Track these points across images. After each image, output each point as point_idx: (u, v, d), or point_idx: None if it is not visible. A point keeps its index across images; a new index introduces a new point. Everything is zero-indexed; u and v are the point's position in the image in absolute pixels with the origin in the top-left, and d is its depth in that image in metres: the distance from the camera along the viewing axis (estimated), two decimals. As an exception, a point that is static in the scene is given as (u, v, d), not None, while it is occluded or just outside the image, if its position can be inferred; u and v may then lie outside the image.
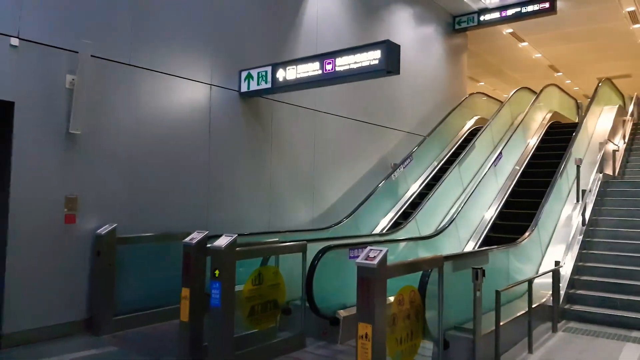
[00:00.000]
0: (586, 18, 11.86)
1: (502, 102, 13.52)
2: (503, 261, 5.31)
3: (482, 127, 11.90)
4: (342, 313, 4.64)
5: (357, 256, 5.18)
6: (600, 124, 10.06)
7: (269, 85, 6.16)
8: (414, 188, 9.41)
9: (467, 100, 11.92)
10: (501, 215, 7.85)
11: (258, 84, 6.28)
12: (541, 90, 10.73)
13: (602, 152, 8.34)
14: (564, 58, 15.66)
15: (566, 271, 5.86)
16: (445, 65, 11.94)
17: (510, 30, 12.99)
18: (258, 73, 6.28)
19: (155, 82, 5.55)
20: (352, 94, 8.60)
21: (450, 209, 8.22)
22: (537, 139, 10.04)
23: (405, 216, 8.67)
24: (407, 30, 10.35)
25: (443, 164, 10.21)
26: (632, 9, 11.23)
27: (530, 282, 4.65)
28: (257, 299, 4.05)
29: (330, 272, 4.61)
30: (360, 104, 8.81)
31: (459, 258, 4.15)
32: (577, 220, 6.90)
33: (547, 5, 10.58)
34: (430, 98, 11.17)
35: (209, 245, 3.78)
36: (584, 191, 7.01)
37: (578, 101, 13.47)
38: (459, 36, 12.43)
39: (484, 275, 3.65)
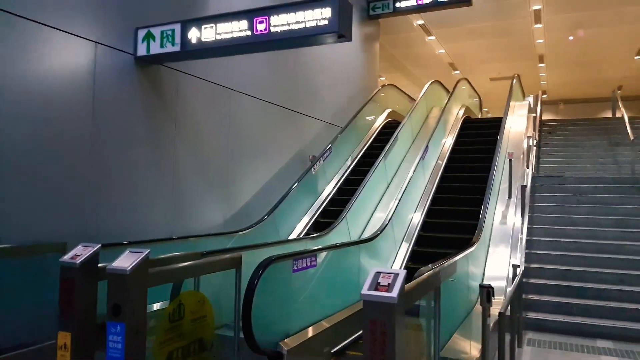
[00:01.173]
0: (494, 13, 11.98)
1: (409, 96, 13.38)
2: (464, 268, 4.62)
3: (394, 120, 11.57)
4: (287, 344, 3.55)
5: (302, 268, 4.14)
6: (514, 119, 10.09)
7: (176, 49, 4.80)
8: (334, 183, 8.56)
9: (380, 92, 11.38)
10: (431, 213, 7.30)
11: (162, 46, 4.88)
12: (457, 84, 10.53)
13: (526, 147, 8.21)
14: (465, 56, 15.99)
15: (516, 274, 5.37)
16: (360, 54, 11.30)
17: (422, 22, 12.76)
18: (162, 32, 4.88)
19: (12, 31, 3.94)
20: (271, 73, 7.48)
21: (376, 206, 7.49)
22: (456, 133, 9.78)
23: (325, 214, 7.80)
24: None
25: (360, 158, 9.53)
26: (538, 7, 11.52)
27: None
28: (177, 340, 2.81)
29: (273, 292, 3.50)
30: (279, 86, 7.72)
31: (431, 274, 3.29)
32: (513, 218, 6.54)
33: (463, -5, 10.37)
34: (347, 88, 10.44)
35: (107, 267, 2.46)
36: (524, 187, 6.67)
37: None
38: (373, 24, 11.87)
39: (493, 295, 2.82)
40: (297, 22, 4.21)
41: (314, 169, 7.88)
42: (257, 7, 4.49)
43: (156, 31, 4.91)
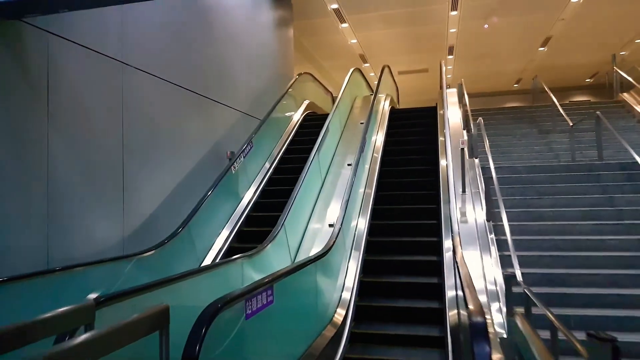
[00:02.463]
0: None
1: (325, 87, 12.56)
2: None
3: (314, 113, 10.65)
4: None
5: (258, 310, 2.93)
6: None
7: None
8: (256, 184, 7.38)
9: (297, 82, 10.37)
10: (377, 214, 6.42)
11: (21, -11, 3.41)
12: (382, 70, 9.86)
13: (467, 136, 7.66)
14: (376, 46, 15.55)
15: (498, 280, 4.64)
16: (274, 38, 10.21)
17: (336, 6, 11.96)
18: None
19: None
20: (176, 47, 6.12)
21: (313, 208, 6.43)
22: (386, 124, 9.07)
23: (250, 222, 6.62)
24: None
25: (283, 154, 8.44)
26: (458, -8, 11.26)
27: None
28: None
29: (221, 356, 2.28)
30: (187, 65, 6.37)
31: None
32: (474, 214, 5.86)
33: (384, -26, 9.71)
34: (263, 74, 9.30)
35: None
36: (488, 179, 6.01)
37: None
38: (285, 5, 10.85)
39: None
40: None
41: (234, 167, 6.64)
42: None
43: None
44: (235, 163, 6.68)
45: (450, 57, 17.20)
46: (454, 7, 12.20)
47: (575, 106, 11.74)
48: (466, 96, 10.64)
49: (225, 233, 6.27)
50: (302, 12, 11.95)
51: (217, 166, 6.77)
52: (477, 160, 7.16)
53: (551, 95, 9.75)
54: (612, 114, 9.90)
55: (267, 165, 7.93)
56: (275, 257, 4.93)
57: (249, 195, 7.06)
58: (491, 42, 15.44)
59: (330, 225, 5.80)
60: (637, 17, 13.11)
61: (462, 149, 6.52)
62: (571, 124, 8.10)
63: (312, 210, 6.34)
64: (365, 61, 17.37)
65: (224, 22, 7.70)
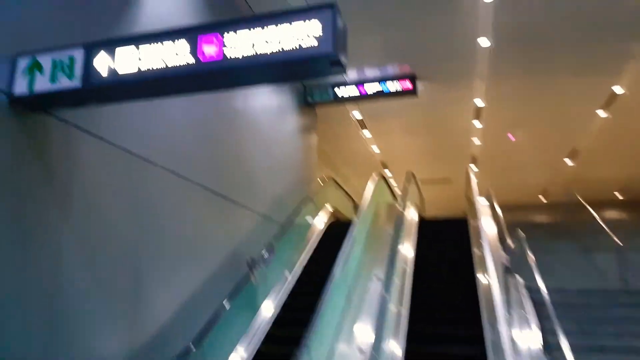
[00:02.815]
0: (435, 106, 11.71)
1: (348, 193, 12.41)
2: None
3: (338, 221, 10.35)
4: None
5: None
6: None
7: (76, 84, 3.24)
8: (277, 295, 6.86)
9: (319, 187, 10.25)
10: (413, 340, 5.80)
11: (53, 81, 3.30)
12: (412, 177, 9.70)
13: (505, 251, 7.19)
14: (397, 153, 15.67)
15: None
16: (298, 142, 10.29)
17: (360, 117, 12.22)
18: (55, 61, 3.33)
19: None
20: (198, 143, 6.00)
21: (339, 328, 5.83)
22: (415, 236, 8.68)
23: (271, 340, 6.01)
24: (262, 91, 8.40)
25: (307, 265, 7.99)
26: (480, 104, 11.43)
27: None
28: None
29: None
30: (208, 163, 6.21)
31: None
32: (526, 342, 5.22)
33: (409, 85, 9.95)
34: (286, 178, 9.18)
35: None
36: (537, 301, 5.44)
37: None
38: (310, 112, 11.07)
39: None
40: (267, 43, 2.90)
41: (253, 276, 6.20)
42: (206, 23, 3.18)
43: (46, 59, 3.35)
44: (255, 272, 6.25)
45: (473, 167, 17.22)
46: (477, 117, 12.34)
47: (615, 222, 11.26)
48: (497, 207, 10.34)
49: (242, 353, 5.66)
50: (325, 119, 12.17)
51: (236, 273, 6.33)
52: (519, 279, 6.64)
53: (591, 210, 9.35)
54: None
55: (288, 275, 7.45)
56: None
57: (269, 309, 6.52)
58: (515, 154, 15.48)
59: (361, 352, 5.20)
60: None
61: (506, 267, 6.03)
62: (621, 244, 7.57)
63: (338, 330, 5.76)
64: (386, 167, 17.45)
65: (250, 124, 7.74)
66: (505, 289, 5.78)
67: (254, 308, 6.27)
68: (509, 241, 8.31)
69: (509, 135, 13.48)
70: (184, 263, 5.40)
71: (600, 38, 8.72)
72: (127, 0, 4.80)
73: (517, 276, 6.73)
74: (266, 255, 6.67)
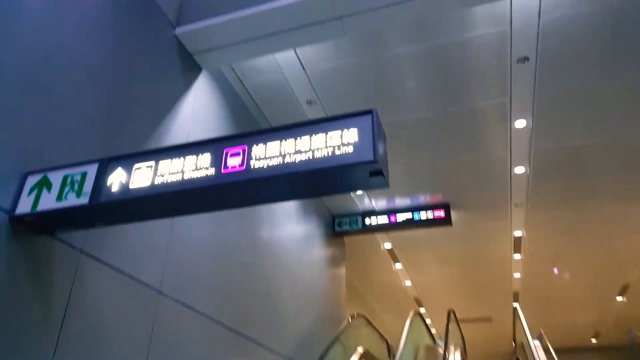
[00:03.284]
0: (473, 236, 11.22)
1: (379, 332, 11.49)
2: None
3: (369, 362, 9.40)
4: None
5: None
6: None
7: (83, 201, 3.01)
8: None
9: (349, 325, 9.46)
10: None
11: (60, 199, 3.09)
12: (449, 315, 8.93)
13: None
14: (432, 290, 14.84)
15: None
16: (326, 275, 9.79)
17: (389, 246, 11.77)
18: (66, 177, 3.16)
19: None
20: (219, 276, 5.60)
21: None
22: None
23: None
24: (288, 218, 8.21)
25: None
26: (519, 234, 10.93)
27: None
28: None
29: None
30: (228, 297, 5.75)
31: None
32: None
33: (442, 214, 9.64)
34: (312, 314, 8.56)
35: None
36: None
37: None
38: (338, 243, 10.72)
39: None
40: (300, 152, 2.66)
41: None
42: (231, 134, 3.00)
43: (57, 176, 3.18)
44: None
45: (516, 304, 16.11)
46: (517, 249, 11.76)
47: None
48: (552, 350, 9.37)
49: None
50: (355, 251, 11.76)
51: None
52: None
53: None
54: None
55: None
56: None
57: None
58: (560, 290, 14.49)
59: None
60: None
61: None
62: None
63: None
64: (420, 305, 16.47)
65: (275, 255, 7.37)
66: None
67: None
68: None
69: (554, 269, 12.71)
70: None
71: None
72: (150, 117, 4.81)
73: None
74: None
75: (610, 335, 18.51)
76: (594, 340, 19.67)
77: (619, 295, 14.62)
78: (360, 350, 9.44)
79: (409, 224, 9.84)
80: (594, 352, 19.48)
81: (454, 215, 9.74)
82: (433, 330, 11.18)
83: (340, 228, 10.22)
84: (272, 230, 7.37)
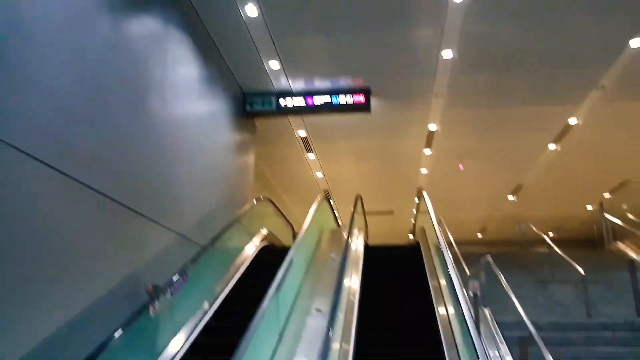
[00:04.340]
0: (389, 127, 10.62)
1: (287, 218, 10.97)
2: None
3: (272, 245, 8.87)
4: None
5: None
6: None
7: None
8: (188, 332, 5.24)
9: (254, 208, 8.73)
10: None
11: None
12: (356, 200, 8.43)
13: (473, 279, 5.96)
14: (343, 183, 14.43)
15: None
16: (232, 157, 8.82)
17: (304, 134, 10.92)
18: None
19: None
20: (100, 146, 4.42)
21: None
22: (361, 262, 7.34)
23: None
24: (189, 90, 6.95)
25: (231, 294, 6.42)
26: (434, 128, 10.46)
27: None
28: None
29: None
30: (107, 162, 4.63)
31: None
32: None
33: (362, 99, 8.80)
34: (213, 195, 7.66)
35: None
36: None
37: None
38: (249, 125, 9.67)
39: None
40: None
41: (154, 307, 4.58)
42: None
43: None
44: (156, 302, 4.63)
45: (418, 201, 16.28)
46: (428, 145, 11.39)
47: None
48: (449, 234, 9.28)
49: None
50: (267, 137, 10.81)
51: (130, 302, 4.68)
52: (487, 311, 5.39)
53: (551, 243, 8.39)
54: (609, 265, 8.58)
55: (207, 307, 5.85)
56: None
57: (173, 348, 4.88)
58: (459, 188, 14.66)
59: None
60: (613, 171, 12.68)
61: (475, 295, 4.77)
62: (583, 273, 6.58)
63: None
64: (330, 198, 16.16)
65: (172, 129, 6.25)
66: (478, 324, 4.50)
67: (153, 347, 4.62)
68: (467, 270, 7.15)
69: (460, 166, 12.60)
70: (53, 284, 3.73)
71: (564, 63, 8.00)
72: None
73: (486, 309, 5.51)
74: (176, 282, 5.07)
75: (494, 231, 19.60)
76: (479, 235, 20.80)
77: (512, 194, 15.09)
78: (263, 232, 8.85)
79: (327, 108, 8.95)
80: (480, 246, 20.71)
81: (373, 102, 8.94)
82: (340, 221, 10.80)
83: (251, 108, 9.11)
84: (167, 102, 6.16)
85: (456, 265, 5.99)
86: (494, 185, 14.28)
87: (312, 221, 7.01)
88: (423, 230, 8.55)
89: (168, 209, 5.97)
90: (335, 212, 10.58)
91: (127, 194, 4.91)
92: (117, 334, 4.03)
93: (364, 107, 8.76)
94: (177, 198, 6.32)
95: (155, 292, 4.83)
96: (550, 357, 3.72)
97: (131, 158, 5.18)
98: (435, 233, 6.16)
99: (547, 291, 7.70)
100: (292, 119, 10.00)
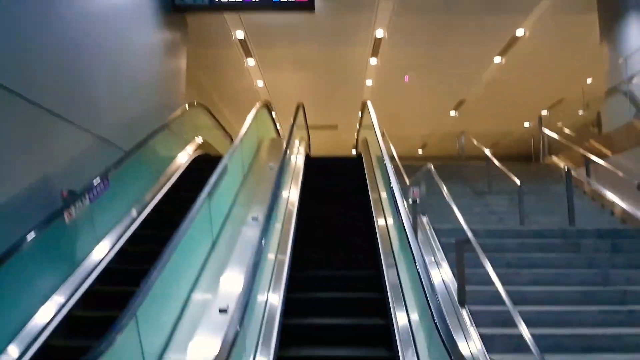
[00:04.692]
0: (334, 33, 10.08)
1: (224, 128, 10.50)
2: None
3: (207, 155, 8.45)
4: None
5: None
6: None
7: None
8: (112, 241, 4.92)
9: (187, 113, 8.15)
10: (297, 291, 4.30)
11: None
12: (298, 108, 8.09)
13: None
14: (285, 94, 13.87)
15: None
16: (159, 56, 8.11)
17: (242, 36, 10.17)
18: None
19: None
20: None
21: (197, 281, 4.09)
22: (302, 171, 7.15)
23: (93, 301, 4.13)
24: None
25: (159, 205, 6.07)
26: (381, 34, 10.02)
27: None
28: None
29: None
30: (17, 59, 3.98)
31: None
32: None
33: (304, -3, 8.13)
34: (138, 96, 7.08)
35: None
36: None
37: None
38: (179, 22, 8.82)
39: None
40: None
41: (70, 214, 4.18)
42: None
43: None
44: (72, 208, 4.23)
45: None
46: (375, 52, 10.98)
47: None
48: (391, 146, 9.20)
49: (45, 315, 3.71)
50: (201, 38, 9.99)
51: (43, 209, 4.26)
52: (425, 219, 5.41)
53: (489, 154, 8.49)
54: (544, 178, 8.91)
55: (135, 215, 5.51)
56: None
57: (95, 258, 4.57)
58: (403, 102, 14.54)
59: (222, 311, 3.51)
60: (551, 88, 12.90)
61: (414, 202, 4.71)
62: (519, 183, 6.73)
63: (195, 284, 4.02)
64: (272, 110, 15.64)
65: (85, 22, 5.51)
66: (415, 230, 4.49)
67: (71, 256, 4.29)
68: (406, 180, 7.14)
69: (405, 77, 12.35)
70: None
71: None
72: None
73: (424, 217, 5.53)
74: (96, 187, 4.66)
75: (435, 147, 19.95)
76: (420, 152, 21.18)
77: (454, 109, 15.20)
78: (198, 140, 8.40)
79: (266, 4, 8.24)
80: (420, 161, 21.09)
81: (317, 0, 8.28)
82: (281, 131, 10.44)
83: (180, 1, 8.24)
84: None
85: (397, 177, 5.94)
86: (437, 100, 14.27)
87: (250, 127, 6.64)
88: (366, 142, 8.42)
89: (86, 110, 5.41)
90: (277, 124, 10.22)
91: (37, 92, 4.32)
92: (28, 237, 3.66)
93: (307, 6, 8.12)
94: (96, 99, 5.74)
95: (72, 198, 4.43)
96: (487, 260, 3.73)
97: (43, 57, 4.53)
98: (378, 143, 5.99)
99: (483, 202, 7.90)
100: (229, 17, 9.20)
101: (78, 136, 5.18)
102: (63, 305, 3.90)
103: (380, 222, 5.40)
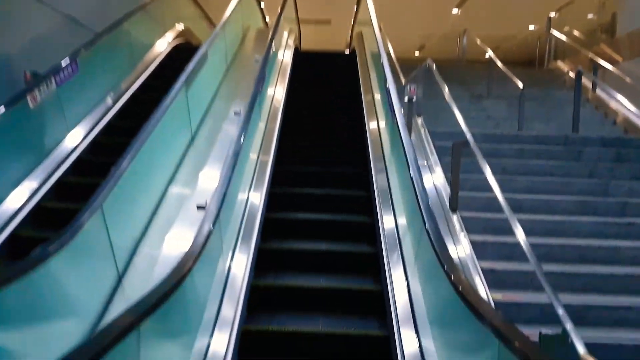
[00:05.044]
0: None
1: (209, 17, 9.82)
2: None
3: (189, 44, 7.92)
4: None
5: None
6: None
7: None
8: (84, 130, 4.64)
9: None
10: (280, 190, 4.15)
11: None
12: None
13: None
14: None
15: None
16: None
17: None
18: None
19: None
20: None
21: (173, 177, 3.89)
22: (290, 65, 6.74)
23: (65, 192, 3.95)
24: None
25: (137, 92, 5.71)
26: None
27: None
28: None
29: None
30: None
31: None
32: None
33: None
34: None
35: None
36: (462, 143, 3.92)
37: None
38: None
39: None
40: None
41: (34, 98, 3.85)
42: None
43: None
44: (37, 91, 3.88)
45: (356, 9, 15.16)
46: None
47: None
48: (388, 43, 8.68)
49: (7, 208, 3.52)
50: None
51: (6, 92, 3.92)
52: (420, 120, 5.15)
53: (492, 54, 8.03)
54: (547, 84, 8.55)
55: (110, 103, 5.17)
56: (77, 279, 2.43)
57: (66, 147, 4.31)
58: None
59: (200, 207, 3.35)
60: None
61: (410, 100, 4.42)
62: (521, 86, 6.40)
63: (172, 180, 3.82)
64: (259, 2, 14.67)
65: None
66: (409, 131, 4.26)
67: (38, 145, 4.03)
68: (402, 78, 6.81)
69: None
70: None
71: None
72: None
73: (419, 118, 5.28)
74: (64, 69, 4.28)
75: (433, 49, 19.17)
76: (417, 53, 20.37)
77: (456, 7, 14.33)
78: (179, 27, 7.82)
79: None
80: (416, 63, 20.36)
81: None
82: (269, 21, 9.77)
83: None
84: None
85: (393, 75, 5.56)
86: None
87: (234, 12, 6.11)
88: (360, 36, 7.90)
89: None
90: (266, 16, 9.54)
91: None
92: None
93: None
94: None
95: (36, 80, 4.06)
96: (487, 164, 3.54)
97: None
98: (375, 35, 5.56)
99: (480, 106, 7.62)
100: None
101: (42, 13, 4.68)
102: (32, 197, 3.71)
103: (372, 125, 5.15)
